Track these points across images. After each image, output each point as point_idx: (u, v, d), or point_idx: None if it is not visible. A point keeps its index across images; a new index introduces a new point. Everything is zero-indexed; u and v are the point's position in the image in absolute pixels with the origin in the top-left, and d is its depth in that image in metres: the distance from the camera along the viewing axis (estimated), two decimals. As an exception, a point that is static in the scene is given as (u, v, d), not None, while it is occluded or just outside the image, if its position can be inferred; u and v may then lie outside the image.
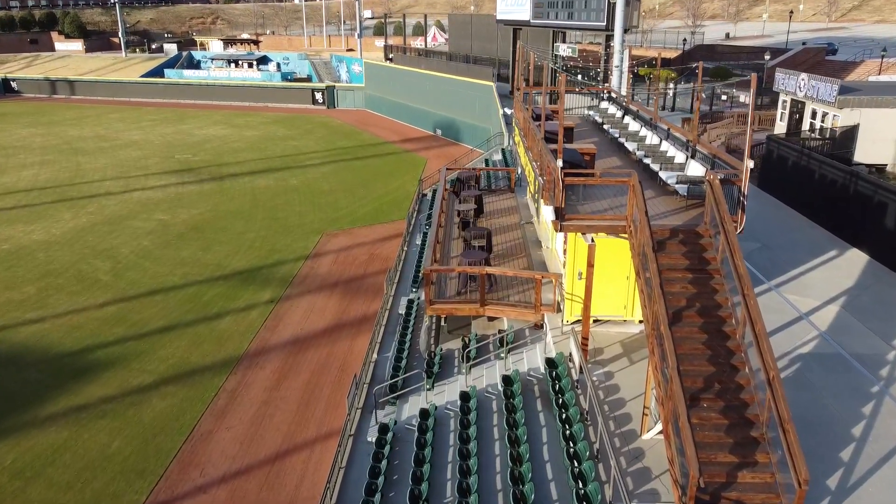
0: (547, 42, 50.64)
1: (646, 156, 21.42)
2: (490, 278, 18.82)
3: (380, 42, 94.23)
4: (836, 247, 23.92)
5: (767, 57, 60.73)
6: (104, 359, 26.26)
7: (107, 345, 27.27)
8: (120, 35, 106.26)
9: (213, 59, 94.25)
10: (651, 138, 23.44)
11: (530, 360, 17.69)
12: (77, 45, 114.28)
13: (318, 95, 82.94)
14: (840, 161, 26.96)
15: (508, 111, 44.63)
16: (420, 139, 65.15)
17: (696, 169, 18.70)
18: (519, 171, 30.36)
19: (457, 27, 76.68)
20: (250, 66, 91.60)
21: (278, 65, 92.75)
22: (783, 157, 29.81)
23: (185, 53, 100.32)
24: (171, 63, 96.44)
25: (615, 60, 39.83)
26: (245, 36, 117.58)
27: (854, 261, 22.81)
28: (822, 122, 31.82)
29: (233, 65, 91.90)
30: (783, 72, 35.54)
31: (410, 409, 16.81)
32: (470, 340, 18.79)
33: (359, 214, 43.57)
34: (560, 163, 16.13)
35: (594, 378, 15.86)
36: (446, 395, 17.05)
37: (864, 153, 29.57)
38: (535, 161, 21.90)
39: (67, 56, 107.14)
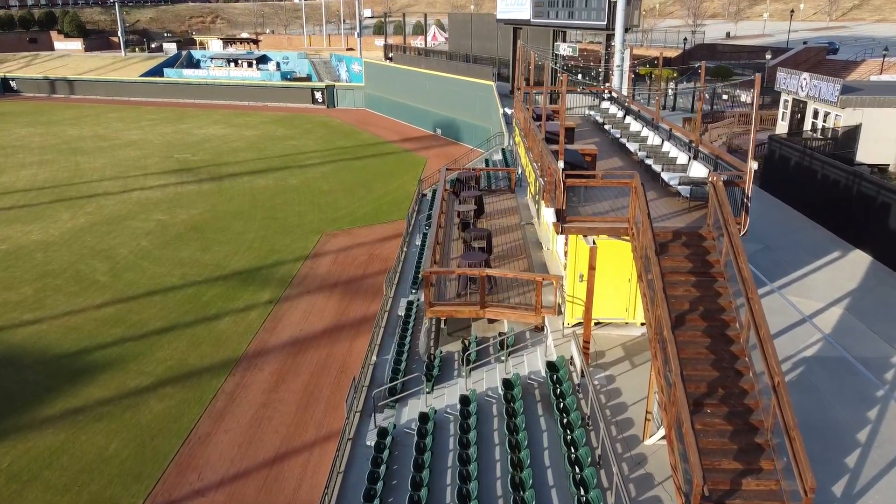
0: (547, 41, 50.46)
1: (647, 156, 21.26)
2: (490, 280, 18.66)
3: (380, 41, 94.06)
4: (838, 248, 23.76)
5: (768, 56, 60.57)
6: (102, 360, 26.08)
7: (104, 346, 27.10)
8: (119, 34, 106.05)
9: (212, 59, 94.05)
10: (653, 139, 23.28)
11: (531, 363, 17.52)
12: (76, 45, 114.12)
13: (318, 95, 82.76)
14: (842, 161, 26.80)
15: (508, 111, 44.45)
16: (420, 139, 64.97)
17: (698, 170, 18.53)
18: (519, 172, 30.18)
19: (457, 26, 76.50)
20: (250, 65, 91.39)
21: (278, 64, 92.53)
22: (785, 158, 29.65)
23: (184, 53, 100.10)
24: (171, 62, 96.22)
25: (616, 60, 39.62)
26: (244, 35, 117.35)
27: (857, 262, 22.64)
28: (824, 121, 31.65)
29: (232, 64, 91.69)
30: (785, 71, 35.37)
31: (410, 412, 16.65)
32: (470, 343, 18.63)
33: (358, 214, 43.40)
34: (561, 164, 15.96)
35: (595, 382, 15.69)
36: (446, 398, 16.88)
37: (867, 153, 29.41)
38: (535, 162, 21.73)
39: (66, 55, 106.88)
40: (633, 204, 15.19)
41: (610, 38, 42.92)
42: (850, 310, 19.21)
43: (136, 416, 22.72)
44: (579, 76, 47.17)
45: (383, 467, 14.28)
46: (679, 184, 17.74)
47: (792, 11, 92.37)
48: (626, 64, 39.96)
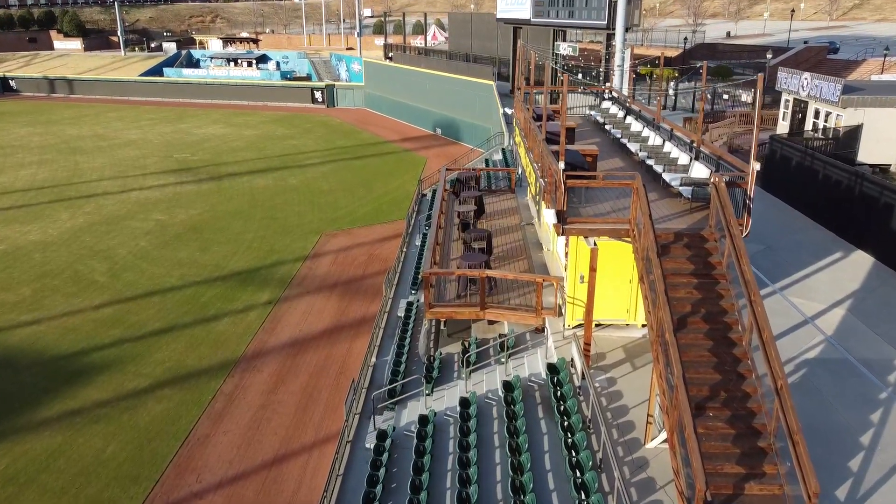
0: (547, 41, 50.30)
1: (648, 157, 21.13)
2: (490, 281, 18.54)
3: (379, 41, 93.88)
4: (840, 248, 23.64)
5: (769, 56, 60.40)
6: (100, 361, 25.97)
7: (103, 347, 26.98)
8: (119, 34, 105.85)
9: (212, 58, 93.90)
10: (654, 139, 23.14)
11: (531, 365, 17.39)
12: (76, 44, 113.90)
13: (318, 94, 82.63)
14: (843, 161, 26.68)
15: (509, 110, 44.31)
16: (420, 138, 64.85)
17: (700, 170, 18.40)
18: (519, 172, 30.05)
19: (457, 26, 76.30)
20: (249, 64, 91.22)
21: (277, 63, 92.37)
22: (786, 158, 29.52)
23: (184, 52, 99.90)
24: (170, 62, 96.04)
25: (617, 59, 39.48)
26: (244, 34, 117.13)
27: (859, 263, 22.52)
28: (826, 121, 31.52)
29: (232, 63, 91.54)
30: (786, 71, 35.23)
31: (409, 415, 16.52)
32: (470, 344, 18.50)
33: (358, 214, 43.28)
34: (562, 165, 15.83)
35: (596, 384, 15.56)
36: (446, 400, 16.76)
37: (868, 153, 29.28)
38: (536, 162, 21.60)
39: (66, 55, 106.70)
40: (634, 205, 15.07)
41: (610, 37, 42.80)
42: (852, 311, 19.09)
43: (134, 418, 22.61)
44: (580, 76, 47.02)
45: (382, 470, 14.16)
46: (680, 185, 17.61)
47: (792, 11, 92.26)
48: (627, 63, 39.81)
